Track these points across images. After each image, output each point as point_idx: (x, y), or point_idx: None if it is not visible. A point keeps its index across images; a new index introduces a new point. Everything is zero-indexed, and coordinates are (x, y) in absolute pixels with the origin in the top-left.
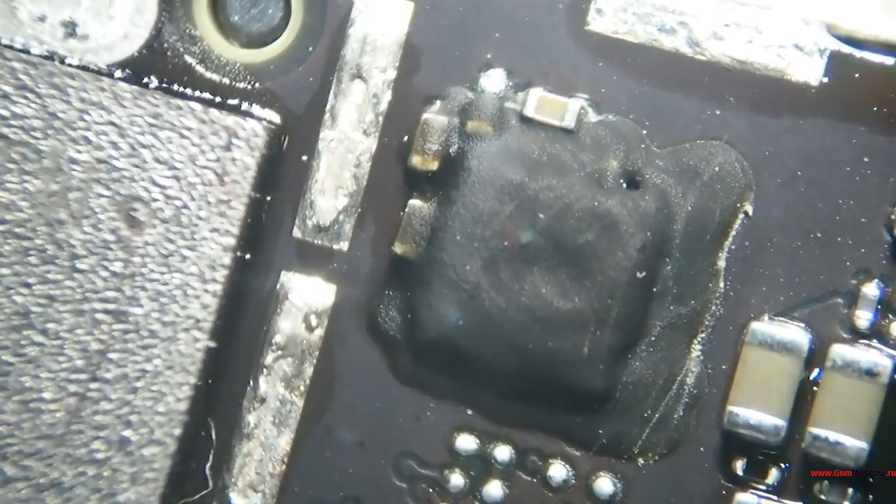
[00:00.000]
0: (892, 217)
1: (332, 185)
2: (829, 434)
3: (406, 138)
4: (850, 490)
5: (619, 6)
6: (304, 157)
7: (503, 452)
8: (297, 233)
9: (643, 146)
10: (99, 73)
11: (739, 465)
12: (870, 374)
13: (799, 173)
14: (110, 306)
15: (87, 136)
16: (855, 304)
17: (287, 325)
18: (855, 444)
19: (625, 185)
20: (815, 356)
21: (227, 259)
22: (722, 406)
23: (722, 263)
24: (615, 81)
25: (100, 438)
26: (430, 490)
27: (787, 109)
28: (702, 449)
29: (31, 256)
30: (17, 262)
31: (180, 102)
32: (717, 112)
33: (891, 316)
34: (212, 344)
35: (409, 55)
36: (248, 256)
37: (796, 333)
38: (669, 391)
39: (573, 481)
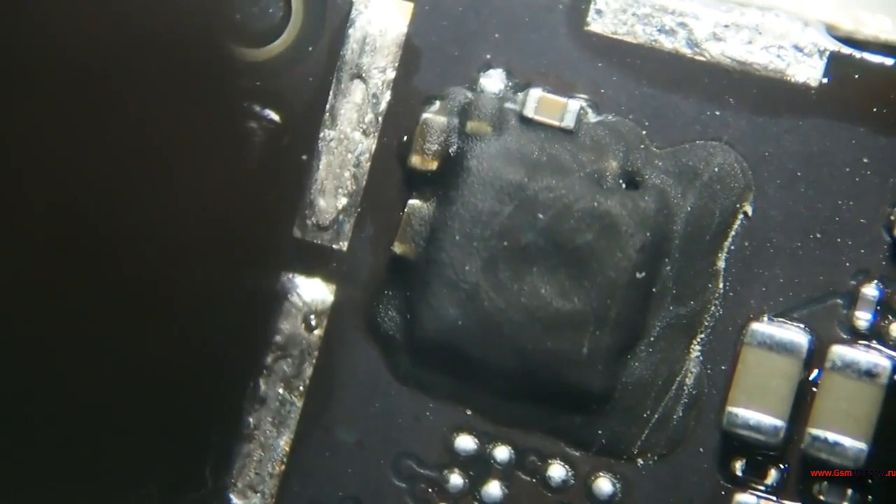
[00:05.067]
0: (892, 218)
1: (332, 185)
2: (828, 435)
3: (405, 138)
4: (850, 491)
5: (618, 7)
6: (304, 157)
7: (502, 453)
8: (296, 232)
9: (643, 147)
10: None
11: (739, 466)
12: (869, 374)
13: (798, 174)
14: None
15: None
16: (854, 305)
17: (286, 325)
18: (854, 444)
19: (624, 186)
20: (815, 357)
21: None
22: (721, 407)
23: (721, 264)
24: (615, 82)
25: None
26: (430, 490)
27: (786, 110)
28: (701, 449)
29: None
30: None
31: None
32: (717, 113)
33: (890, 317)
34: None
35: (408, 55)
36: (247, 257)
37: (796, 334)
38: (669, 392)
39: (572, 481)
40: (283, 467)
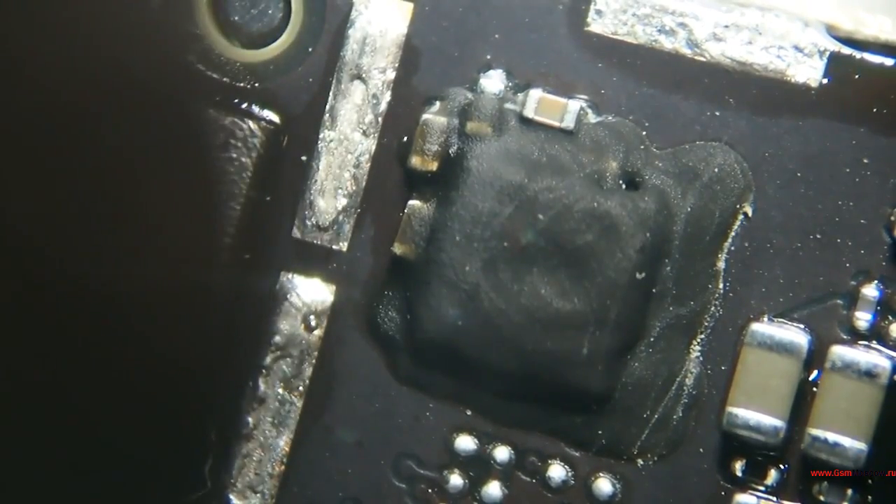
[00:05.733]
0: (892, 218)
1: (332, 186)
2: (828, 435)
3: (405, 139)
4: (850, 491)
5: (618, 7)
6: (304, 158)
7: (502, 453)
8: (296, 233)
9: (643, 147)
10: None
11: (739, 466)
12: (869, 375)
13: (798, 174)
14: None
15: None
16: (854, 306)
17: (286, 325)
18: (854, 445)
19: (624, 186)
20: (815, 357)
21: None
22: (721, 407)
23: (721, 264)
24: (615, 82)
25: None
26: (430, 490)
27: (786, 111)
28: (701, 450)
29: None
30: None
31: None
32: (717, 113)
33: (890, 317)
34: None
35: (408, 56)
36: (246, 256)
37: (795, 334)
38: (669, 392)
39: (572, 482)
40: (282, 467)
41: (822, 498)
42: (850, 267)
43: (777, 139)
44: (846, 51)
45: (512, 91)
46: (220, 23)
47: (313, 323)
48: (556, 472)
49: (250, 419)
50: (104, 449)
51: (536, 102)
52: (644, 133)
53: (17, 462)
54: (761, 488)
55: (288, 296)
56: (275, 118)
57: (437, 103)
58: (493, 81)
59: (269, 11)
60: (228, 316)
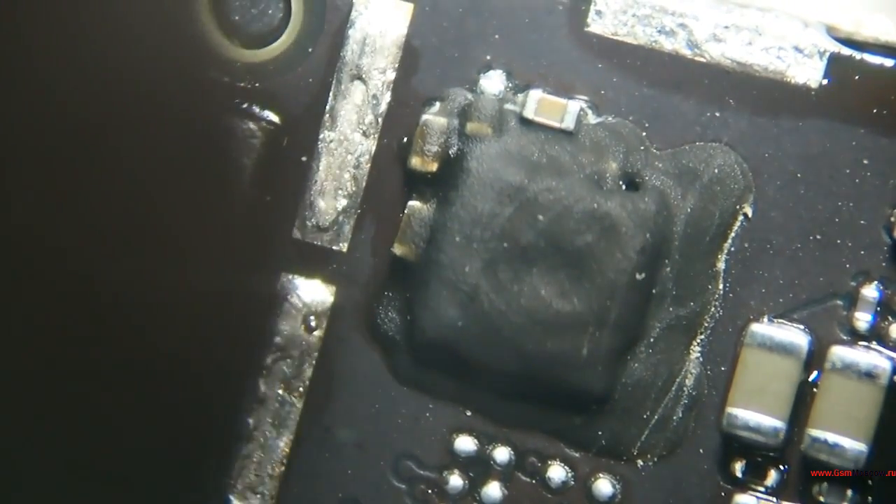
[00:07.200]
0: (892, 219)
1: (332, 186)
2: (828, 436)
3: (405, 140)
4: (850, 491)
5: (618, 8)
6: (304, 158)
7: (502, 453)
8: (296, 234)
9: (643, 148)
10: None
11: (738, 467)
12: (869, 375)
13: (798, 175)
14: None
15: None
16: (854, 306)
17: (286, 326)
18: (854, 445)
19: (624, 187)
20: (815, 358)
21: None
22: (721, 408)
23: (721, 265)
24: (615, 83)
25: None
26: (429, 491)
27: (786, 111)
28: (701, 450)
29: None
30: None
31: None
32: (717, 114)
33: (890, 318)
34: None
35: (408, 56)
36: (246, 257)
37: (795, 335)
38: (668, 393)
39: (572, 483)
40: (282, 468)
41: (821, 498)
42: (850, 268)
43: (777, 140)
44: (846, 51)
45: (512, 92)
46: (220, 23)
47: (313, 324)
48: (556, 472)
49: (250, 420)
50: (105, 448)
51: (536, 103)
52: (644, 134)
53: (14, 462)
54: (761, 489)
55: (288, 297)
56: (275, 118)
57: (437, 104)
58: (493, 82)
59: (270, 11)
60: (228, 316)
